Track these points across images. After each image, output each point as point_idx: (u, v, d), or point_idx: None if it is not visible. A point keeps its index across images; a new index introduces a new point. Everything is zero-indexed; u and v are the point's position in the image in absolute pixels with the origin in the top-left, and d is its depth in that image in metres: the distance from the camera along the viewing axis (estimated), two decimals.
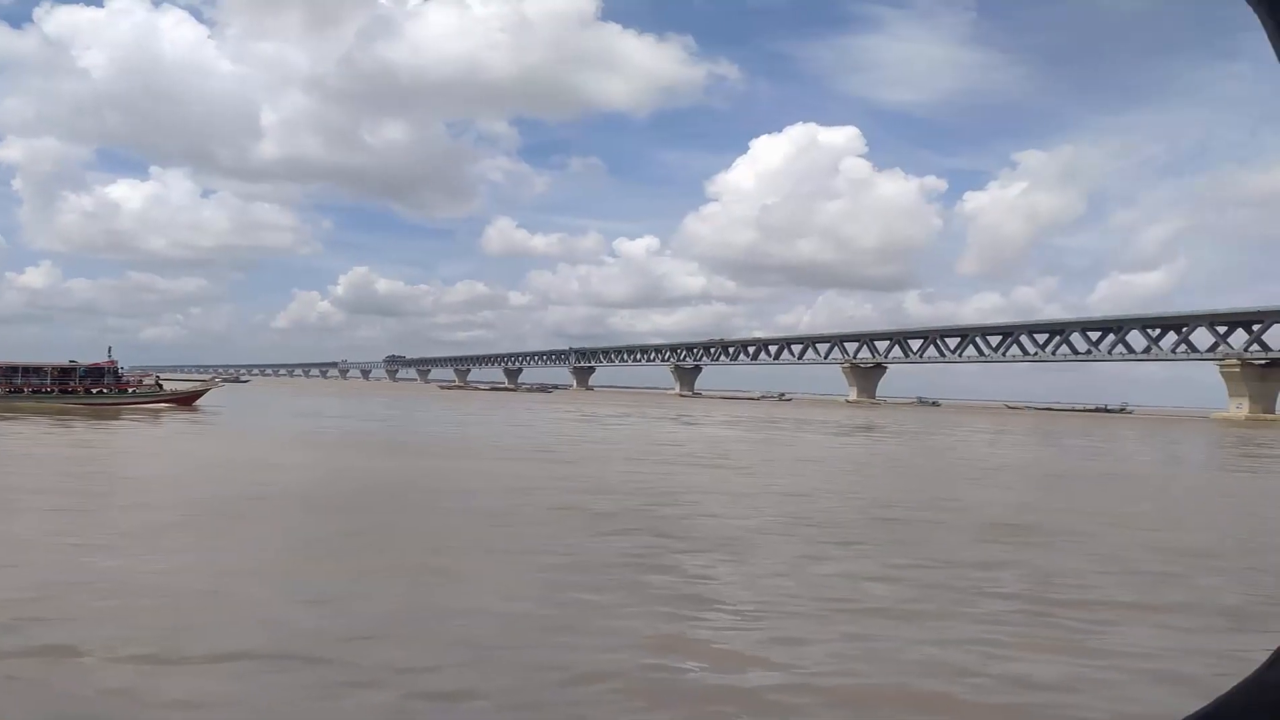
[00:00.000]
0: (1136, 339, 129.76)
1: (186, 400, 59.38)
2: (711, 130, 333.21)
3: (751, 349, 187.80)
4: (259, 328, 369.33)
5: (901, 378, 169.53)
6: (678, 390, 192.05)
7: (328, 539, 14.06)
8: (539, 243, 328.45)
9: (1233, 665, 8.10)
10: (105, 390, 55.91)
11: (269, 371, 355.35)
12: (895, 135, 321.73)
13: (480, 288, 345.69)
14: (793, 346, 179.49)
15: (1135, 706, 7.72)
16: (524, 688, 7.59)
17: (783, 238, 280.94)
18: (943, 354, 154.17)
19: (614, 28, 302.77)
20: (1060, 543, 15.62)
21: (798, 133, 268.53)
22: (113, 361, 57.30)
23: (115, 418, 46.43)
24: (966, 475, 30.17)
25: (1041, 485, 27.67)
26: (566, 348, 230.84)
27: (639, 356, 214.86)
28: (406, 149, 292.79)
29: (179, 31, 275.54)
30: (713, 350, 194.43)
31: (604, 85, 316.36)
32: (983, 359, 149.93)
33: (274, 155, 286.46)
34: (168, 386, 61.46)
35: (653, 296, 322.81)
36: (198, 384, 67.58)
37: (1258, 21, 1.54)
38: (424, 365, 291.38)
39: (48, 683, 7.38)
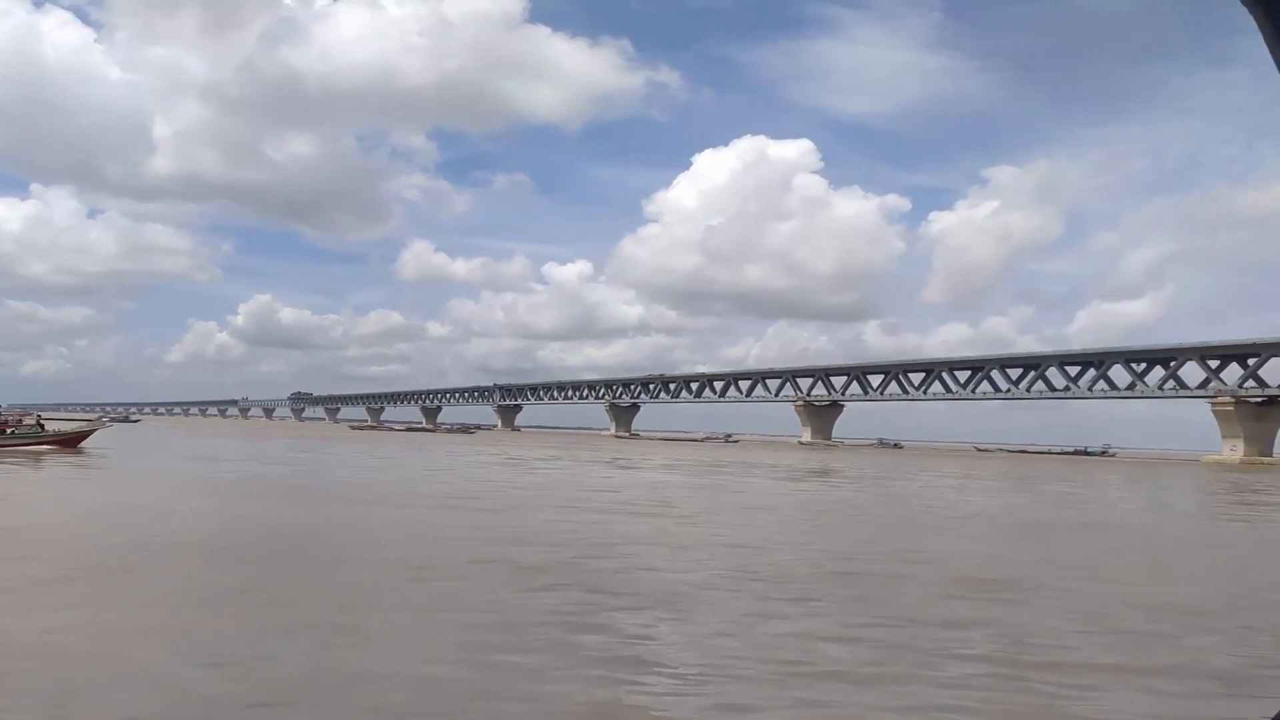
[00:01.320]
0: (1120, 374, 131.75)
1: (71, 442, 58.39)
2: (650, 144, 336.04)
3: (695, 385, 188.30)
4: (151, 362, 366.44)
5: (860, 417, 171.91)
6: (613, 431, 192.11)
7: (227, 594, 14.01)
8: (460, 268, 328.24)
9: None
10: None
11: (162, 410, 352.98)
12: (853, 149, 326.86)
13: (395, 318, 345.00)
14: (740, 382, 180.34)
15: None
16: None
17: (729, 263, 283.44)
18: (906, 391, 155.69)
19: (543, 30, 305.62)
20: (1035, 599, 15.93)
21: (745, 146, 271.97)
22: None
23: None
24: (932, 525, 30.58)
25: (1015, 536, 28.13)
26: (490, 384, 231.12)
27: (570, 394, 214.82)
28: (313, 164, 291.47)
29: (63, 34, 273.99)
30: (652, 387, 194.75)
31: (532, 94, 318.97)
32: (950, 396, 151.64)
33: (168, 171, 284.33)
34: (50, 427, 60.56)
35: (586, 327, 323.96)
36: (83, 424, 66.62)
37: (1254, 24, 1.60)
38: (333, 403, 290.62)
39: None
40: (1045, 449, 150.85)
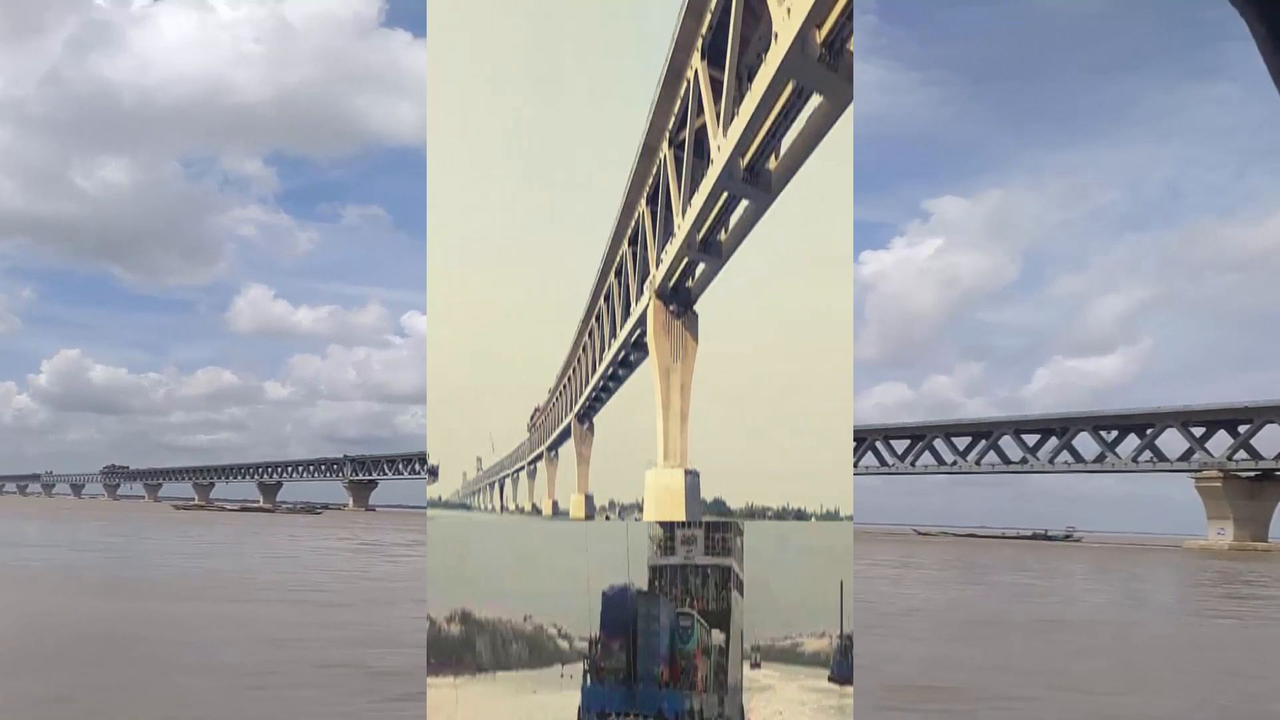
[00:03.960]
0: (1086, 444, 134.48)
1: None
2: None
3: None
4: None
5: None
6: None
7: (29, 705, 13.91)
8: (304, 318, 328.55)
9: None
10: None
11: None
12: None
13: (227, 377, 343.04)
14: None
15: None
16: None
17: None
18: None
19: (401, 36, 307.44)
20: (986, 710, 15.95)
21: None
22: None
23: None
24: (863, 622, 30.64)
25: (962, 635, 28.34)
26: (340, 456, 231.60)
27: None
28: (130, 194, 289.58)
29: None
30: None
31: (389, 111, 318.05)
32: (885, 470, 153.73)
33: None
34: None
35: None
36: None
37: (1245, 28, 1.46)
38: (154, 479, 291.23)
39: None
40: (998, 532, 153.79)
